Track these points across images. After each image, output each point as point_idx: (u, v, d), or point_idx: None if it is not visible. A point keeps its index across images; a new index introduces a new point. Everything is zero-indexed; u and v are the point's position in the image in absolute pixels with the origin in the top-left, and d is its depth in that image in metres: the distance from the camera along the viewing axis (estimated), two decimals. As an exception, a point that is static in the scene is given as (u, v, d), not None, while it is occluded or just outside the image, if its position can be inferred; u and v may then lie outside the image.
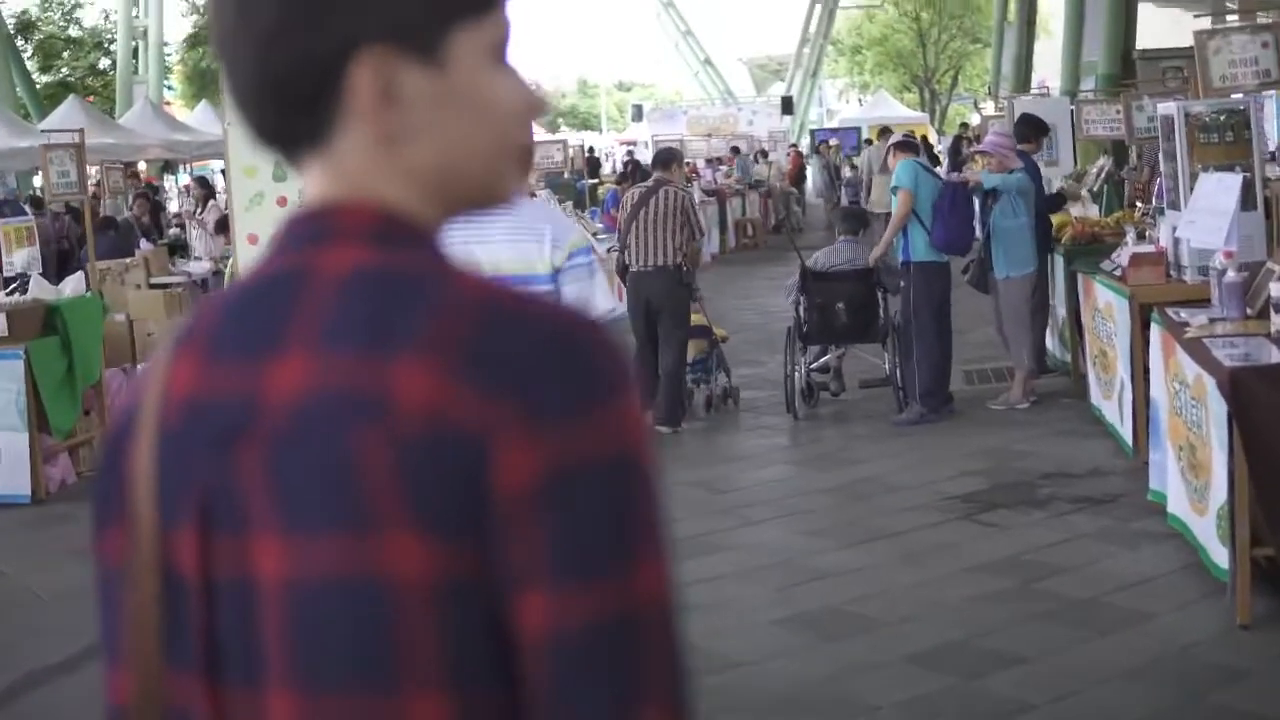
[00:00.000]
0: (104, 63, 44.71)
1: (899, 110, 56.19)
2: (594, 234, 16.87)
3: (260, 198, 10.61)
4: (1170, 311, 8.37)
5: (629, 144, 49.14)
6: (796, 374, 12.47)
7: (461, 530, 1.34)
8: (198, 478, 1.44)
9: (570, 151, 27.93)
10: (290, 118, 1.47)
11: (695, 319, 12.82)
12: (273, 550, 1.39)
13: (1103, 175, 15.51)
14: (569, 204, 20.73)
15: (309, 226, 1.48)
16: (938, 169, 16.94)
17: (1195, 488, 7.47)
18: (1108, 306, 10.43)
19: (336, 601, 1.36)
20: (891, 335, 12.24)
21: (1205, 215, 8.67)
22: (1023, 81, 38.00)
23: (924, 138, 27.08)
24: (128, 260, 17.77)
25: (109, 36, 44.31)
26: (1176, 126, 9.58)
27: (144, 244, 18.91)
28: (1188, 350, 7.48)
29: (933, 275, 11.84)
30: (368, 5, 1.42)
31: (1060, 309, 13.14)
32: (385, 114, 1.44)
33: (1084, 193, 15.40)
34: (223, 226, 15.98)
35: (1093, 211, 14.67)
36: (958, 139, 35.61)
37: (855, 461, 10.60)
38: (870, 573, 7.97)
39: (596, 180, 31.85)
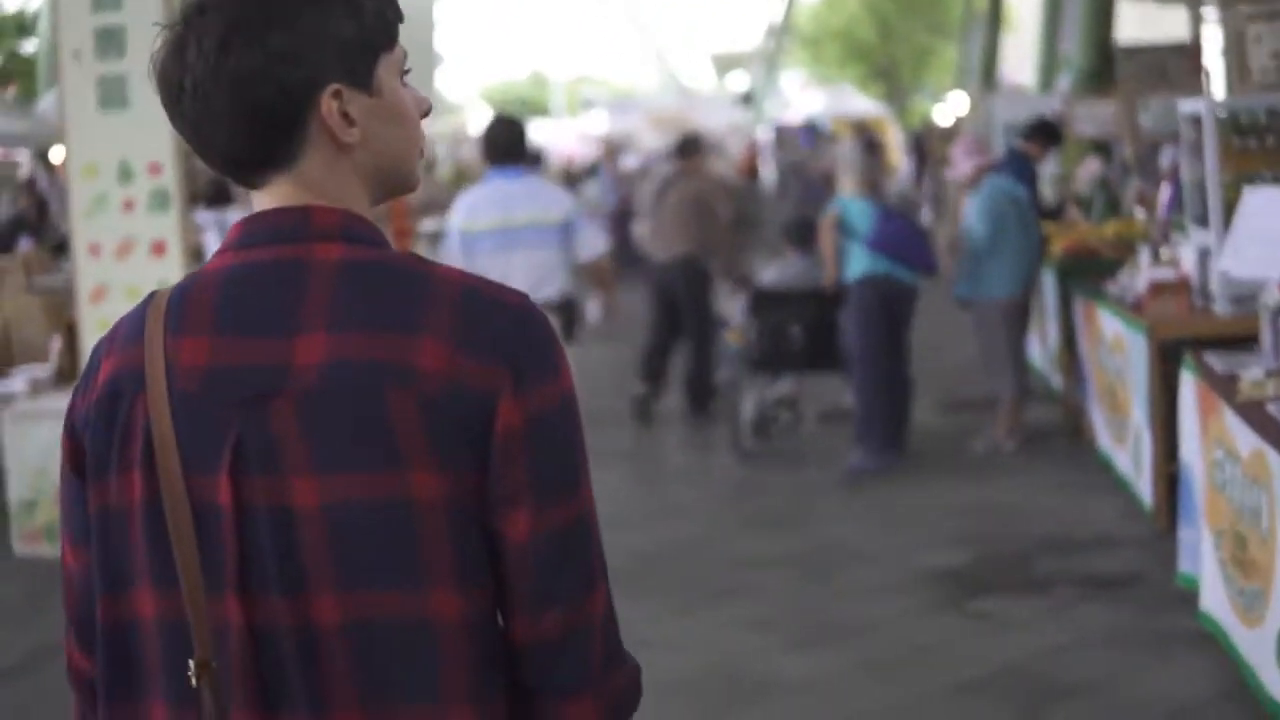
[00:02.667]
0: (29, 47, 42.44)
1: (862, 104, 54.68)
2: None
3: (103, 200, 8.84)
4: (1209, 359, 6.67)
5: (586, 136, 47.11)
6: (745, 405, 10.75)
7: (469, 465, 1.82)
8: (230, 431, 1.83)
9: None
10: (267, 142, 1.90)
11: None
12: (310, 485, 1.81)
13: (1095, 179, 13.81)
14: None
15: (288, 224, 1.91)
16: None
17: (1244, 592, 5.78)
18: (1117, 339, 8.73)
19: (371, 520, 1.80)
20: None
21: (1253, 239, 6.94)
22: (988, 76, 36.73)
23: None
24: (1, 262, 16.08)
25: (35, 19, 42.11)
26: (1205, 128, 7.87)
27: (23, 243, 17.04)
28: (1244, 417, 5.77)
29: (868, 290, 10.06)
30: (326, 53, 1.89)
31: (1052, 330, 11.45)
32: (346, 131, 1.91)
33: (1072, 200, 13.72)
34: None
35: (1082, 219, 12.98)
36: (919, 137, 34.11)
37: (812, 520, 8.86)
38: (829, 688, 6.25)
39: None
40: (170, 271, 8.70)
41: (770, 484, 9.91)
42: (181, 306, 1.90)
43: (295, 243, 1.88)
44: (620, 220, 22.18)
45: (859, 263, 10.04)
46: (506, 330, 1.85)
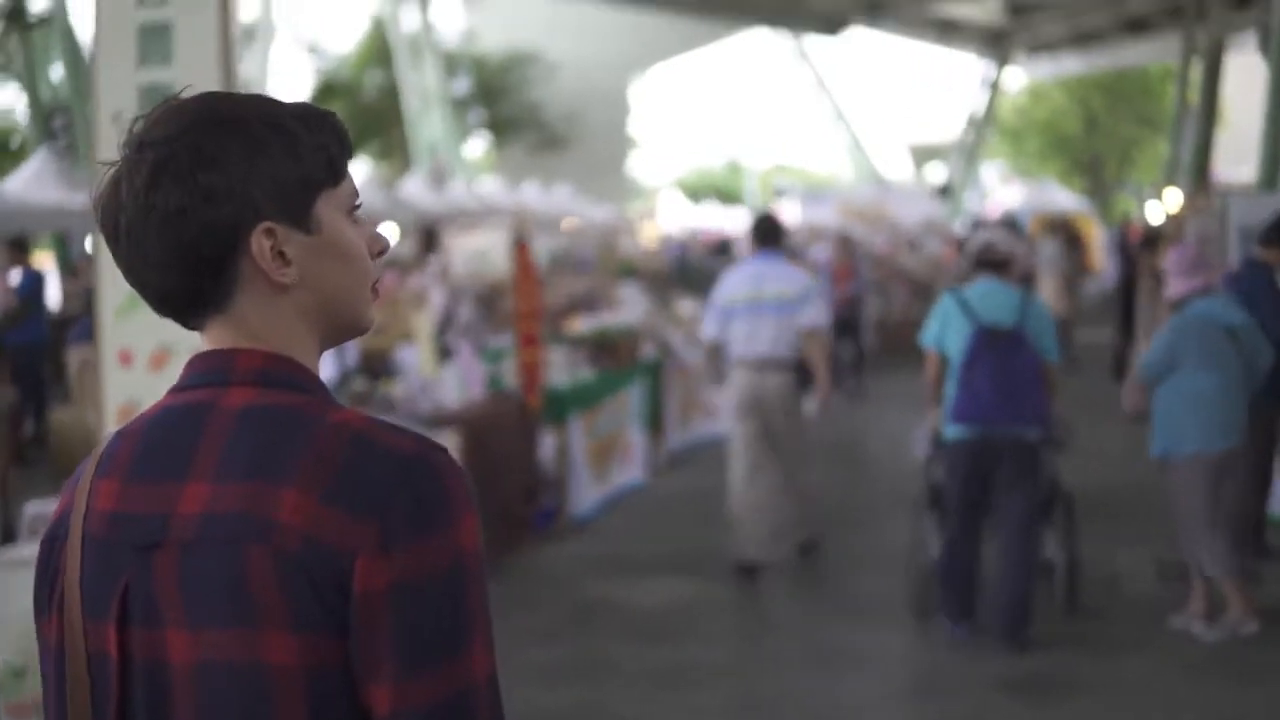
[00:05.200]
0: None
1: (1064, 199, 52.58)
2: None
3: (137, 299, 7.21)
4: None
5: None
6: (928, 558, 8.86)
7: (327, 628, 1.68)
8: (121, 578, 1.78)
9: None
10: (197, 282, 1.82)
11: None
12: (181, 641, 1.74)
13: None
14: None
15: (211, 367, 1.84)
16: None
17: None
18: None
19: (230, 682, 1.71)
20: (1060, 506, 8.61)
21: None
22: (1200, 172, 34.91)
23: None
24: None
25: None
26: None
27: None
28: None
29: (948, 455, 8.45)
30: (257, 191, 1.81)
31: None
32: (279, 270, 1.83)
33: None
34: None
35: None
36: (1123, 230, 32.06)
37: (1005, 732, 6.92)
38: None
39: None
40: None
41: (954, 667, 7.96)
42: (112, 449, 1.88)
43: (215, 386, 1.84)
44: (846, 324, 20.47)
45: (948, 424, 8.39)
46: (385, 481, 1.71)
